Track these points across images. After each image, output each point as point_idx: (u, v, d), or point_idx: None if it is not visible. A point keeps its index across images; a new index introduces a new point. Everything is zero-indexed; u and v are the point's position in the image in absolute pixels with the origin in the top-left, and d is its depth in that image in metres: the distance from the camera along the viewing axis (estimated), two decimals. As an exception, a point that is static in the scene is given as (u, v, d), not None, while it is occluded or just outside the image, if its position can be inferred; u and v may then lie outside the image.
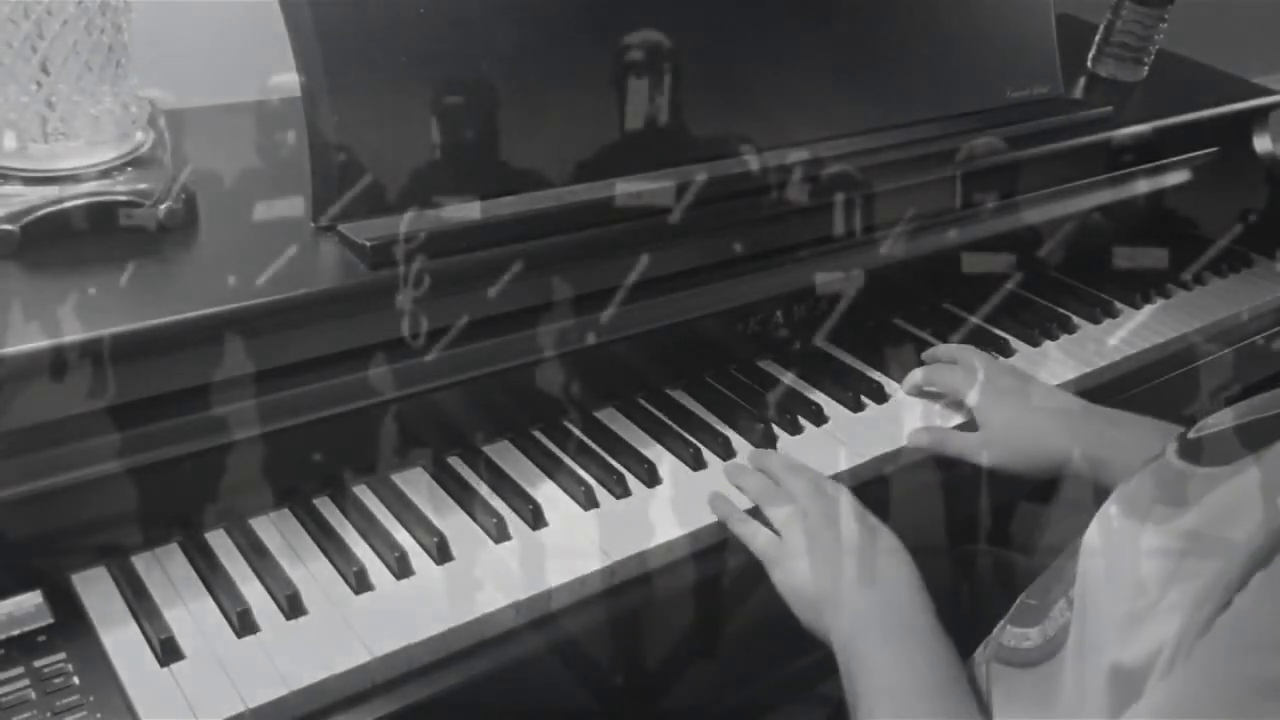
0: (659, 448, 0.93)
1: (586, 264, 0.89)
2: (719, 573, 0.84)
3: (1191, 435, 0.66)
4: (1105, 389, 1.12)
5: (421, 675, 0.73)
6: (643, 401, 0.98)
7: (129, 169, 0.81)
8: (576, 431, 0.93)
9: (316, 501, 0.83)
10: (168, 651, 0.70)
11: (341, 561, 0.78)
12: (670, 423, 0.96)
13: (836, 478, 0.91)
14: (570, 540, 0.83)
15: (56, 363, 0.68)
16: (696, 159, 0.96)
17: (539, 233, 0.87)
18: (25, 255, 0.76)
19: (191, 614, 0.73)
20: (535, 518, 0.84)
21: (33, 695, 0.65)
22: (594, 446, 0.92)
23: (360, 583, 0.77)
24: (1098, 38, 1.40)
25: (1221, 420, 0.65)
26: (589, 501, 0.86)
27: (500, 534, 0.82)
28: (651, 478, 0.89)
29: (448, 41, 0.86)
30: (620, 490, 0.87)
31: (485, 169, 0.88)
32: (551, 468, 0.89)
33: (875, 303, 1.08)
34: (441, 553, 0.80)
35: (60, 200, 0.77)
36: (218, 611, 0.74)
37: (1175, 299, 1.28)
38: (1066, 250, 1.24)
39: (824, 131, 1.04)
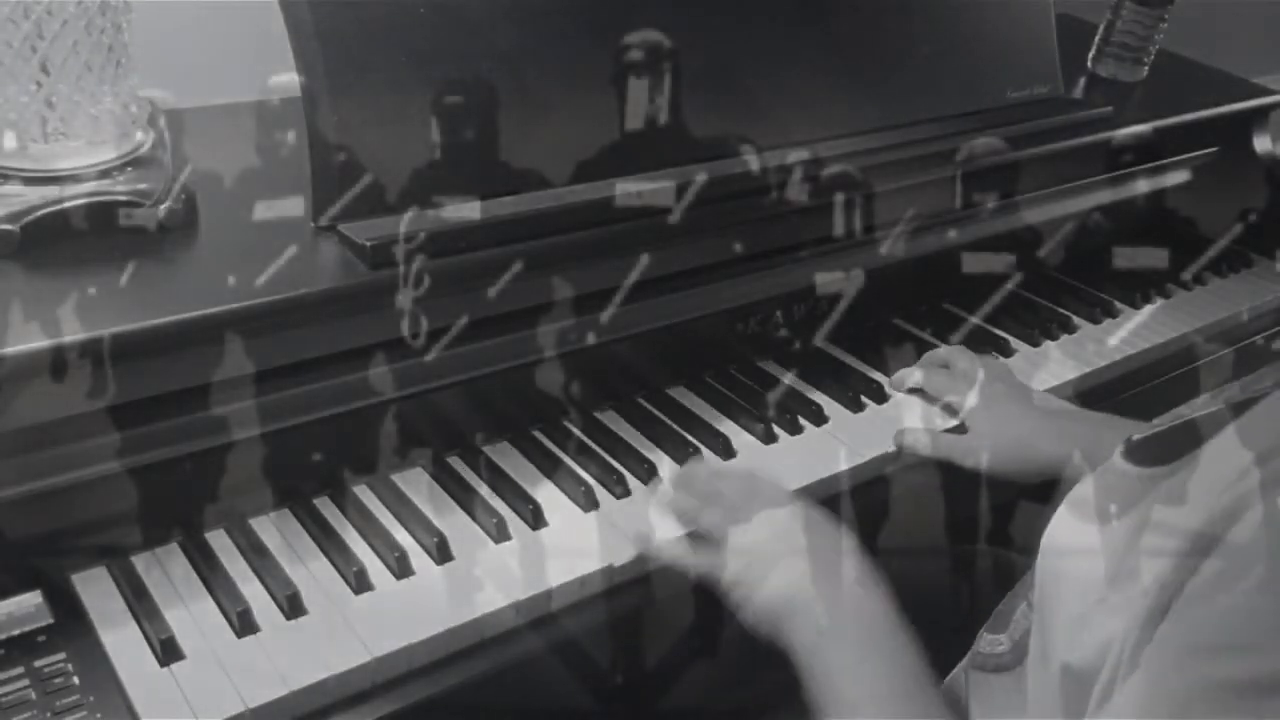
0: (659, 448, 0.93)
1: (586, 264, 0.89)
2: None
3: (1136, 437, 0.66)
4: (1105, 389, 1.12)
5: (421, 675, 0.73)
6: (643, 401, 0.98)
7: (129, 169, 0.81)
8: (576, 431, 0.93)
9: (316, 501, 0.83)
10: (168, 651, 0.70)
11: (341, 561, 0.78)
12: (670, 423, 0.96)
13: (837, 478, 0.92)
14: (570, 540, 0.83)
15: (56, 363, 0.68)
16: (696, 159, 0.96)
17: (539, 233, 0.87)
18: (25, 255, 0.76)
19: (191, 614, 0.73)
20: (535, 518, 0.84)
21: (33, 695, 0.65)
22: (594, 446, 0.92)
23: (360, 583, 0.77)
24: (1098, 38, 1.40)
25: (1166, 422, 0.65)
26: (589, 502, 0.86)
27: (500, 534, 0.82)
28: (651, 478, 0.89)
29: (448, 41, 0.86)
30: (620, 490, 0.87)
31: (485, 169, 0.88)
32: (551, 468, 0.89)
33: (875, 303, 1.08)
34: (441, 553, 0.80)
35: (60, 200, 0.77)
36: (218, 611, 0.74)
37: (1175, 299, 1.28)
38: (1066, 250, 1.24)
39: (824, 131, 1.04)
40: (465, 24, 0.87)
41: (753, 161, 0.98)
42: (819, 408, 0.99)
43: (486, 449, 0.90)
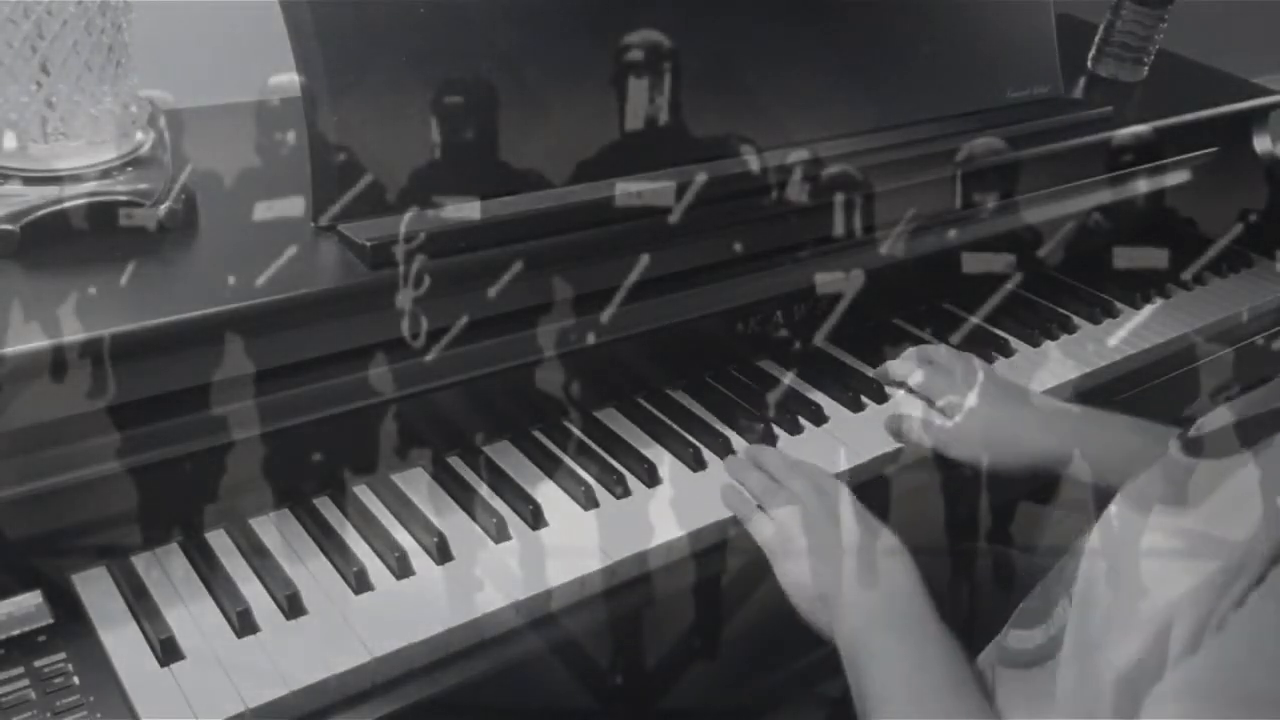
0: (659, 448, 0.93)
1: (586, 264, 0.89)
2: (719, 573, 0.84)
3: (1193, 433, 0.66)
4: (1105, 389, 1.12)
5: (421, 675, 0.73)
6: (643, 401, 0.98)
7: (129, 169, 0.81)
8: (576, 431, 0.93)
9: (316, 501, 0.83)
10: (168, 651, 0.70)
11: (341, 561, 0.78)
12: (670, 423, 0.96)
13: (837, 478, 0.91)
14: (570, 540, 0.83)
15: (56, 363, 0.68)
16: (696, 159, 0.96)
17: (539, 233, 0.87)
18: (25, 255, 0.76)
19: (191, 614, 0.73)
20: (535, 518, 0.84)
21: (33, 695, 0.65)
22: (594, 446, 0.92)
23: (360, 583, 0.77)
24: (1098, 38, 1.40)
25: (1221, 418, 0.65)
26: (589, 501, 0.86)
27: (500, 534, 0.82)
28: (651, 478, 0.89)
29: (447, 41, 0.86)
30: (620, 490, 0.87)
31: (485, 169, 0.88)
32: (551, 468, 0.89)
33: (875, 303, 1.08)
34: (441, 553, 0.80)
35: (60, 200, 0.77)
36: (218, 611, 0.74)
37: (1175, 299, 1.28)
38: (1066, 250, 1.24)
39: (824, 131, 1.04)
40: (465, 24, 0.87)
41: (753, 161, 0.98)
42: (819, 408, 0.99)
43: (486, 449, 0.90)
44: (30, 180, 0.78)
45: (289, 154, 0.91)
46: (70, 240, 0.78)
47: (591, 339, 0.91)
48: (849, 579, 0.78)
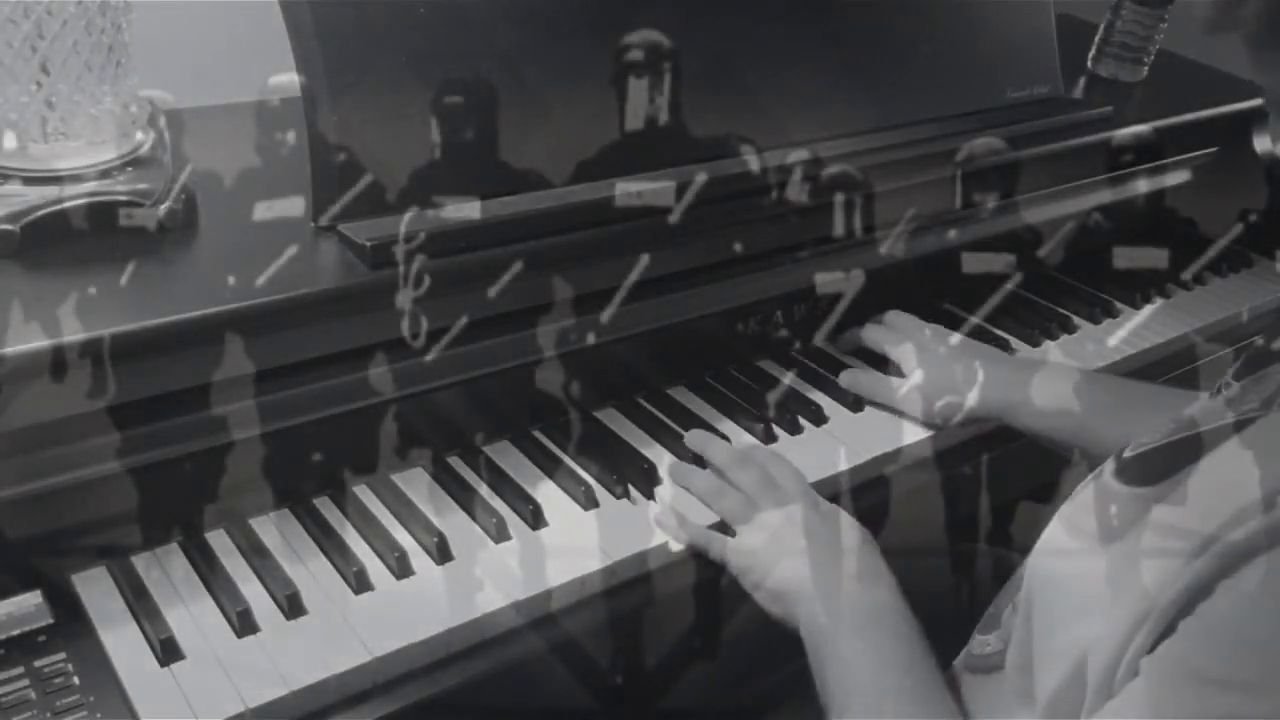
0: (659, 448, 0.93)
1: (586, 264, 0.89)
2: (719, 573, 0.84)
3: (1127, 454, 0.65)
4: (1105, 389, 1.11)
5: (422, 675, 0.73)
6: (643, 401, 0.98)
7: (129, 169, 0.81)
8: (576, 431, 0.93)
9: (316, 501, 0.83)
10: (168, 651, 0.70)
11: (341, 561, 0.78)
12: (670, 423, 0.96)
13: (837, 478, 0.92)
14: (570, 540, 0.83)
15: (56, 363, 0.68)
16: (696, 159, 0.96)
17: (539, 233, 0.87)
18: (25, 255, 0.76)
19: (191, 614, 0.73)
20: (535, 518, 0.84)
21: (33, 695, 0.65)
22: (594, 446, 0.92)
23: (360, 583, 0.77)
24: (1098, 38, 1.40)
25: (1152, 439, 0.65)
26: (589, 501, 0.86)
27: (500, 534, 0.82)
28: (651, 478, 0.89)
29: (447, 41, 0.86)
30: (620, 490, 0.87)
31: (485, 169, 0.88)
32: (551, 468, 0.89)
33: (875, 303, 1.08)
34: (441, 553, 0.80)
35: (60, 200, 0.77)
36: (218, 611, 0.74)
37: (1175, 299, 1.28)
38: (1066, 250, 1.24)
39: (824, 131, 1.04)
40: (465, 24, 0.87)
41: (753, 161, 0.98)
42: (819, 408, 0.99)
43: (486, 449, 0.90)
44: (30, 180, 0.78)
45: (289, 154, 0.91)
46: (70, 240, 0.78)
47: (591, 339, 0.91)
48: (808, 573, 0.77)
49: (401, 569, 0.78)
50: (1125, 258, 1.21)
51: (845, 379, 1.01)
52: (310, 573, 0.77)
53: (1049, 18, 1.22)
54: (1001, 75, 1.19)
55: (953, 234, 1.12)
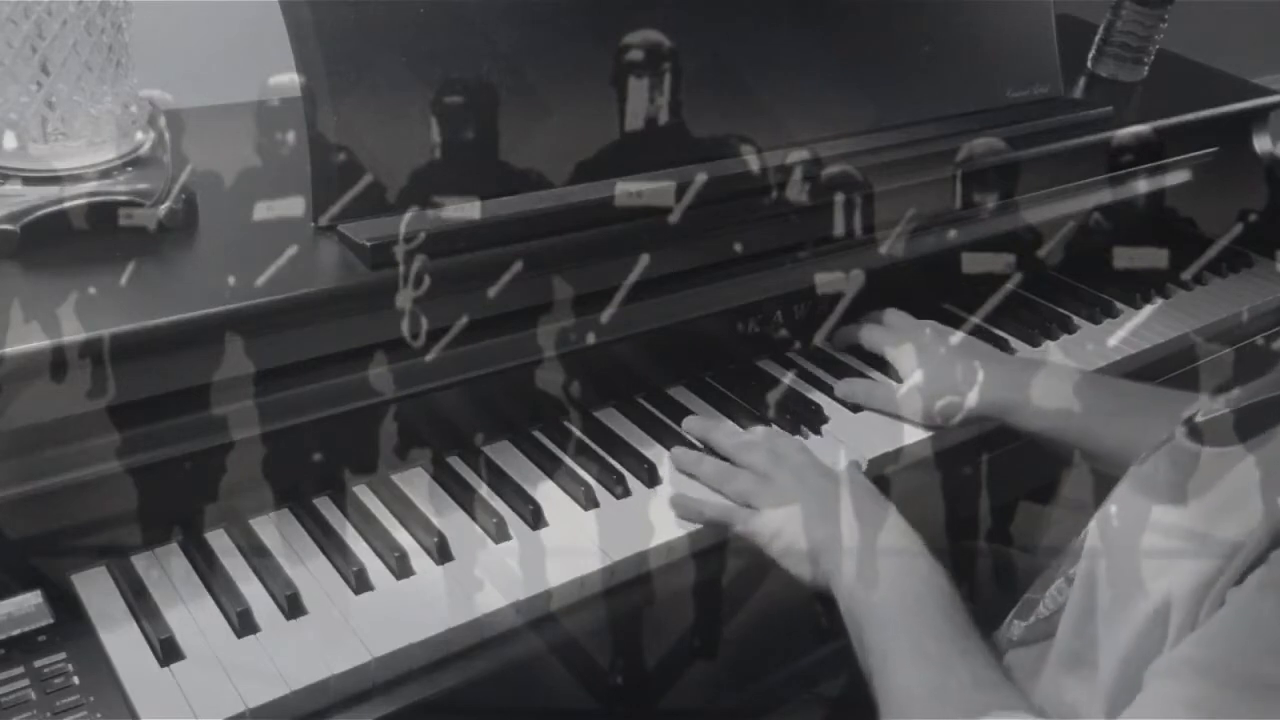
0: (659, 448, 0.93)
1: (586, 264, 0.89)
2: (719, 573, 0.84)
3: (1199, 419, 0.67)
4: (1105, 389, 1.11)
5: (421, 675, 0.73)
6: (643, 401, 0.98)
7: (129, 169, 0.81)
8: (576, 431, 0.93)
9: (316, 501, 0.83)
10: (168, 651, 0.70)
11: (341, 561, 0.78)
12: (670, 423, 0.95)
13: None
14: (570, 540, 0.83)
15: (56, 363, 0.68)
16: (696, 159, 0.96)
17: (539, 233, 0.87)
18: (25, 255, 0.76)
19: (191, 614, 0.73)
20: (535, 518, 0.84)
21: (33, 695, 0.65)
22: (594, 446, 0.92)
23: (360, 583, 0.77)
24: (1098, 38, 1.40)
25: (1220, 406, 0.66)
26: (589, 501, 0.86)
27: (500, 534, 0.82)
28: (651, 478, 0.89)
29: (447, 41, 0.86)
30: (620, 490, 0.87)
31: (485, 169, 0.88)
32: (551, 468, 0.89)
33: (875, 303, 1.08)
34: (441, 553, 0.80)
35: (60, 200, 0.77)
36: (218, 611, 0.74)
37: (1175, 299, 1.27)
38: (1066, 250, 1.24)
39: (824, 131, 1.04)
40: (465, 24, 0.87)
41: (753, 161, 0.98)
42: (819, 408, 0.99)
43: (486, 449, 0.90)
44: (30, 180, 0.78)
45: (289, 154, 0.91)
46: (70, 240, 0.78)
47: (591, 339, 0.91)
48: (832, 532, 0.79)
49: (401, 569, 0.78)
50: (1125, 258, 1.21)
51: (842, 389, 1.00)
52: (310, 573, 0.77)
53: (1049, 18, 1.22)
54: (1001, 75, 1.19)
55: (953, 234, 1.12)
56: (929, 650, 0.69)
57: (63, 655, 0.68)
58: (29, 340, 0.67)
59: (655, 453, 0.92)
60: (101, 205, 0.79)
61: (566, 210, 0.88)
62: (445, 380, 0.85)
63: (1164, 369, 1.17)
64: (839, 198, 1.02)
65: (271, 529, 0.81)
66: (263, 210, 0.84)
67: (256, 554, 0.78)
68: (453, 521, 0.83)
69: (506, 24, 0.88)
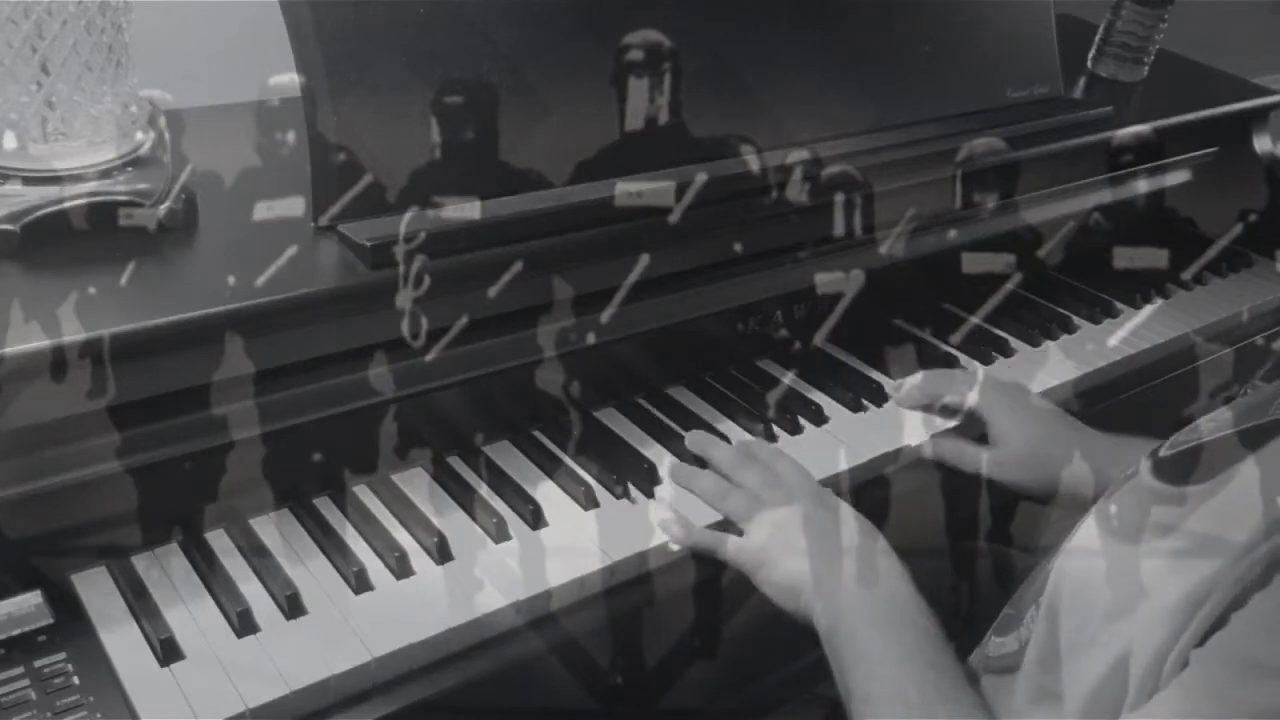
0: (659, 448, 0.93)
1: (586, 264, 0.89)
2: (719, 573, 0.84)
3: (1164, 453, 0.66)
4: (1105, 389, 1.12)
5: (421, 675, 0.73)
6: (643, 401, 0.98)
7: (129, 169, 0.81)
8: (576, 431, 0.93)
9: (316, 501, 0.83)
10: (168, 651, 0.70)
11: (341, 561, 0.78)
12: (670, 423, 0.96)
13: (837, 478, 0.91)
14: (570, 540, 0.83)
15: (56, 363, 0.68)
16: (696, 159, 0.96)
17: (539, 233, 0.87)
18: (25, 255, 0.76)
19: (191, 614, 0.73)
20: (535, 518, 0.84)
21: (33, 695, 0.65)
22: (594, 446, 0.92)
23: (360, 583, 0.77)
24: (1098, 38, 1.40)
25: (1187, 439, 0.65)
26: (589, 501, 0.86)
27: (500, 534, 0.82)
28: (651, 478, 0.89)
29: (447, 41, 0.86)
30: (620, 490, 0.87)
31: (485, 169, 0.88)
32: (551, 468, 0.89)
33: (875, 303, 1.08)
34: (441, 553, 0.80)
35: (60, 200, 0.77)
36: (218, 611, 0.74)
37: (1175, 299, 1.28)
38: (1066, 250, 1.24)
39: (824, 131, 1.04)
40: (465, 24, 0.87)
41: (753, 161, 0.98)
42: (819, 408, 0.99)
43: (486, 449, 0.90)
44: (30, 180, 0.78)
45: (289, 154, 0.91)
46: (70, 240, 0.78)
47: (591, 339, 0.91)
48: (819, 566, 0.77)
49: (401, 569, 0.78)
50: (1125, 258, 1.21)
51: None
52: (310, 573, 0.77)
53: (1049, 18, 1.22)
54: (1001, 75, 1.19)
55: (953, 234, 1.12)
56: (910, 699, 0.68)
57: (63, 655, 0.68)
58: (29, 340, 0.67)
59: (655, 453, 0.92)
60: (101, 205, 0.79)
61: (566, 210, 0.89)
62: (445, 380, 0.85)
63: (1164, 369, 1.17)
64: (839, 198, 1.02)
65: (271, 529, 0.81)
66: (263, 210, 0.84)
67: (256, 554, 0.78)
68: (453, 521, 0.83)
69: (506, 24, 0.88)
